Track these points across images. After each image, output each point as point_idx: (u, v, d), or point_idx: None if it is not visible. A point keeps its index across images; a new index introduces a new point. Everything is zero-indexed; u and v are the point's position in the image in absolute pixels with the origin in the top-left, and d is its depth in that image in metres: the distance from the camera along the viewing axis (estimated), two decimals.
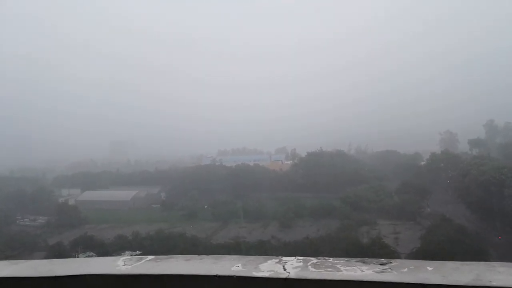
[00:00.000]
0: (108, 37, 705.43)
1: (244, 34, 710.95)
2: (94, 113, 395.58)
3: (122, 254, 39.60)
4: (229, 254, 2.98)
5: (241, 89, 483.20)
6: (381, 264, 2.46)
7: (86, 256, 44.33)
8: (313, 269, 2.46)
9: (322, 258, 2.65)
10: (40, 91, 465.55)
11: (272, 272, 2.44)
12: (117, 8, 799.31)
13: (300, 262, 2.59)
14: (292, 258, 2.67)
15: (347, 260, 2.57)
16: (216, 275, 2.47)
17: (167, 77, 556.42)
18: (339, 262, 2.54)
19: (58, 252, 46.88)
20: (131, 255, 3.43)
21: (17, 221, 78.35)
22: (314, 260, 2.61)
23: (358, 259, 2.58)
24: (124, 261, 2.86)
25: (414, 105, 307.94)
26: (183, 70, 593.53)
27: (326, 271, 2.41)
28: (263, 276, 2.41)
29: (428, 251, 38.40)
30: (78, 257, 44.78)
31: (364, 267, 2.43)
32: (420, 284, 2.18)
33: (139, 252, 41.10)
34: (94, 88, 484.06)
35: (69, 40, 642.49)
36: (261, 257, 2.74)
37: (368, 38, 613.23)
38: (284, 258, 2.67)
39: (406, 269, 2.37)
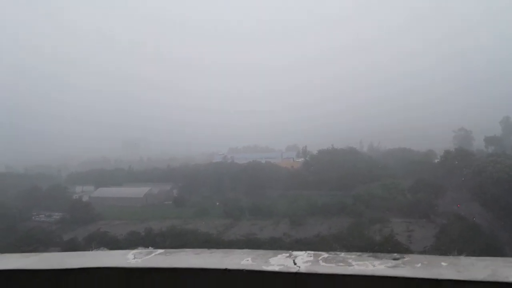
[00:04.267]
0: (131, 29, 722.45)
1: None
2: (108, 109, 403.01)
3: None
4: None
5: (254, 77, 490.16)
6: (393, 259, 2.39)
7: None
8: (323, 264, 2.41)
9: (333, 252, 2.60)
10: (59, 88, 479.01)
11: (282, 266, 2.40)
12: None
13: (311, 256, 2.55)
14: (303, 252, 2.63)
15: (359, 255, 2.51)
16: (226, 269, 2.45)
17: (187, 69, 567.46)
18: (351, 256, 2.49)
19: (72, 248, 47.55)
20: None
21: (33, 217, 79.66)
22: (325, 254, 2.56)
23: (370, 253, 2.52)
24: (134, 255, 2.86)
25: (428, 104, 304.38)
26: (204, 60, 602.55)
27: (337, 265, 2.36)
28: (273, 270, 2.37)
29: (442, 249, 38.00)
30: None
31: (376, 262, 2.37)
32: (434, 279, 2.11)
33: (151, 248, 41.41)
34: (112, 82, 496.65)
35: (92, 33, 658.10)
36: (271, 251, 2.70)
37: (386, 40, 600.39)
38: (295, 253, 2.63)
39: (419, 264, 2.30)
